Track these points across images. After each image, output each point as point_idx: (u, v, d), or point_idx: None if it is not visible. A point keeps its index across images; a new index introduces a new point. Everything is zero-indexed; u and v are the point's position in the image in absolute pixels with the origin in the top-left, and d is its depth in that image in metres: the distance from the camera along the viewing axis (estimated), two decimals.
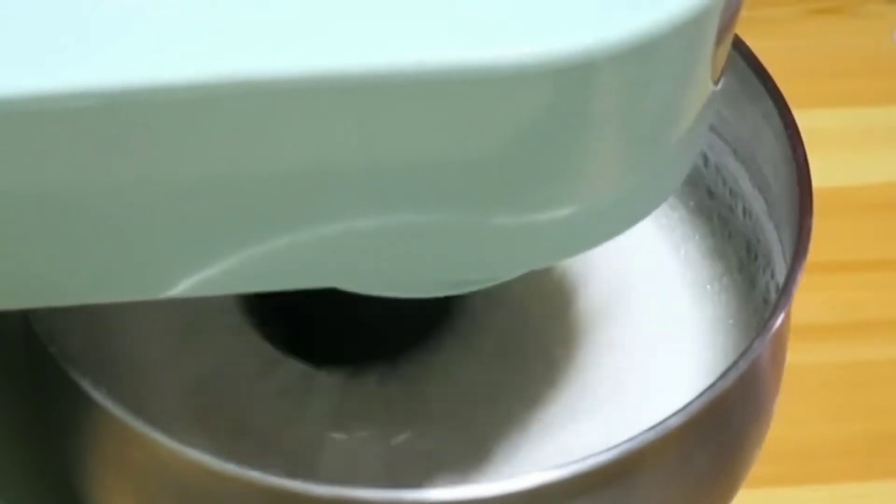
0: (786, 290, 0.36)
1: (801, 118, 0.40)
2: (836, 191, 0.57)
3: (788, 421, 0.44)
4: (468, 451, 0.39)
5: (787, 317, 0.39)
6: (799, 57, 0.62)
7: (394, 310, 0.34)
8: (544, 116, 0.27)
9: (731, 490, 0.39)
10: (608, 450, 0.33)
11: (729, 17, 0.29)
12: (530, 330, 0.42)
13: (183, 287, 0.30)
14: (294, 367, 0.40)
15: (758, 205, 0.43)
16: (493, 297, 0.41)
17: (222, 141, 0.27)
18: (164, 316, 0.41)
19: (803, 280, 0.37)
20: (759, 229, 0.43)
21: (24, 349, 0.38)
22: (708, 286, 0.44)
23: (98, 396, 0.34)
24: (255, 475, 0.33)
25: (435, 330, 0.42)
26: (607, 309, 0.43)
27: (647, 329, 0.43)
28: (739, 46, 0.41)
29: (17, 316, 0.35)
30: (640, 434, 0.34)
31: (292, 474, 0.33)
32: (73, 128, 0.27)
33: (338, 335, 0.42)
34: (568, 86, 0.27)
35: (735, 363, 0.35)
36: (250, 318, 0.41)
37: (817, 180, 0.39)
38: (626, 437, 0.34)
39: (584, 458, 0.33)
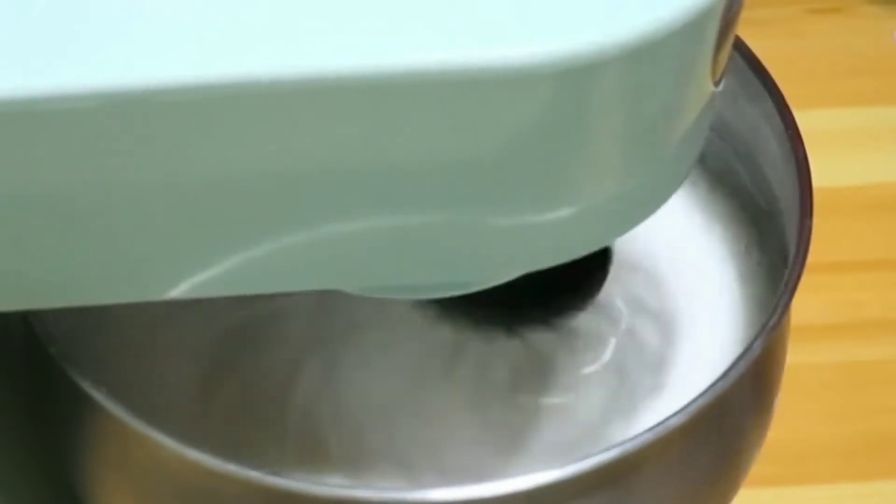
0: (786, 290, 0.36)
1: (801, 118, 0.40)
2: (836, 191, 0.57)
3: (788, 421, 0.44)
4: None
5: (787, 317, 0.39)
6: (799, 57, 0.62)
7: None
8: (546, 117, 0.27)
9: (731, 490, 0.39)
10: (608, 449, 0.33)
11: (730, 18, 0.29)
12: None
13: (184, 288, 0.30)
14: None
15: (758, 205, 0.43)
16: None
17: (224, 142, 0.27)
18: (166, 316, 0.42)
19: (803, 280, 0.37)
20: (758, 229, 0.43)
21: (24, 349, 0.38)
22: (708, 286, 0.44)
23: (98, 396, 0.34)
24: (254, 475, 0.33)
25: None
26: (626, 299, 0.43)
27: (656, 327, 0.43)
28: (739, 46, 0.41)
29: (17, 317, 0.35)
30: (640, 434, 0.34)
31: None
32: (76, 129, 0.27)
33: None
34: (569, 86, 0.27)
35: (735, 363, 0.35)
36: None
37: (817, 180, 0.39)
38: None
39: (584, 458, 0.33)
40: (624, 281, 0.43)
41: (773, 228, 0.42)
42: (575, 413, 0.41)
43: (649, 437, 0.34)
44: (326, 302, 0.41)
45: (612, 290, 0.43)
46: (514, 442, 0.40)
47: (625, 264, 0.43)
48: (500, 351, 0.41)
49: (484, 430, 0.40)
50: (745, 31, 0.36)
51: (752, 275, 0.43)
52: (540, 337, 0.41)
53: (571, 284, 0.41)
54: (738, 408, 0.37)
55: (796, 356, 0.42)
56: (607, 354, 0.42)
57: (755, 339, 0.36)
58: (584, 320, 0.42)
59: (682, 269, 0.43)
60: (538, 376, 0.41)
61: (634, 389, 0.41)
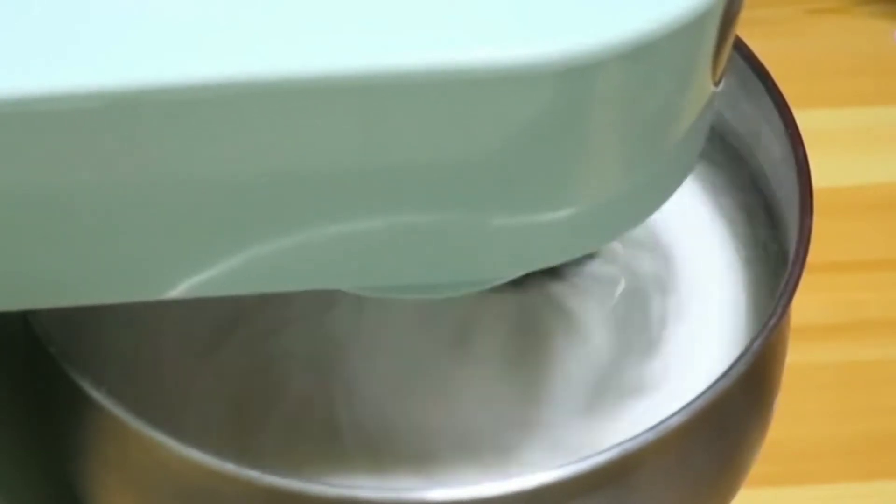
0: (786, 290, 0.36)
1: (801, 118, 0.40)
2: (836, 191, 0.57)
3: (788, 421, 0.44)
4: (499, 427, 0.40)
5: (787, 317, 0.39)
6: (799, 57, 0.62)
7: None
8: (546, 117, 0.28)
9: (731, 490, 0.39)
10: (608, 450, 0.33)
11: (730, 17, 0.29)
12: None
13: (184, 288, 0.30)
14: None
15: (757, 205, 0.43)
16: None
17: (224, 142, 0.27)
18: (166, 317, 0.42)
19: (803, 280, 0.37)
20: (758, 229, 0.43)
21: (24, 349, 0.38)
22: (708, 287, 0.44)
23: (98, 396, 0.34)
24: (254, 475, 0.33)
25: None
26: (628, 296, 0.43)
27: (654, 330, 0.43)
28: (739, 46, 0.41)
29: (17, 316, 0.35)
30: (640, 434, 0.34)
31: None
32: (76, 129, 0.27)
33: None
34: (569, 86, 0.27)
35: (735, 363, 0.35)
36: None
37: (817, 180, 0.39)
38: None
39: (585, 458, 0.33)
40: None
41: (773, 220, 0.43)
42: (595, 355, 0.41)
43: (649, 436, 0.34)
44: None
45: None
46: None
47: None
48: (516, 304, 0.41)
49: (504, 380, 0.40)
50: (745, 31, 0.36)
51: (755, 259, 0.43)
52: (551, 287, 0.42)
53: None
54: (738, 407, 0.37)
55: (796, 356, 0.42)
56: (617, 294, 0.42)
57: (755, 338, 0.36)
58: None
59: (686, 245, 0.44)
60: (552, 324, 0.41)
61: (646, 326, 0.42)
